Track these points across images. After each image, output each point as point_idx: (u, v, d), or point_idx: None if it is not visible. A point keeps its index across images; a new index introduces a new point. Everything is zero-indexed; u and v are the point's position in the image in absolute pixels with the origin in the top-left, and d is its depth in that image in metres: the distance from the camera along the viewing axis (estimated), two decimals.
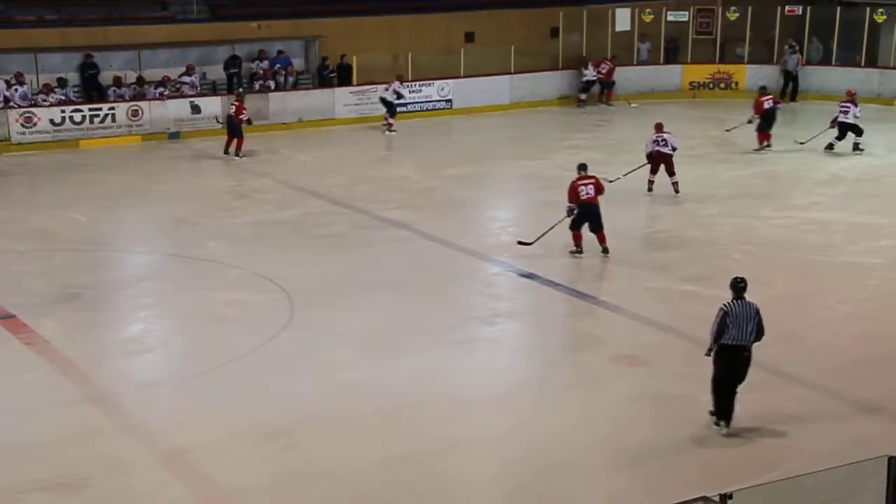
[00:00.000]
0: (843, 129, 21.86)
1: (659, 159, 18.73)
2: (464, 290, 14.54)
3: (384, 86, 25.16)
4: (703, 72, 29.47)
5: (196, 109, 24.47)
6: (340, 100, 26.17)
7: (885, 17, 28.02)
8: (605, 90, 28.25)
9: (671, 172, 18.67)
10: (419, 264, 15.37)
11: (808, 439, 10.12)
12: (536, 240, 15.51)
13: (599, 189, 15.43)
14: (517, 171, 21.76)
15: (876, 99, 27.42)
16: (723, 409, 10.11)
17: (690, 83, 29.50)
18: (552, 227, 15.48)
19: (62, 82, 24.07)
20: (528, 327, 13.57)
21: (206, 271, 15.20)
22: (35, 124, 23.08)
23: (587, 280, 14.55)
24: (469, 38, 28.68)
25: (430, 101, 26.86)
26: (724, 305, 10.09)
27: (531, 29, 28.91)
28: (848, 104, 21.94)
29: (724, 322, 10.00)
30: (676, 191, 18.69)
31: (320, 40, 27.27)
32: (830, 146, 21.97)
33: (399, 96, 25.01)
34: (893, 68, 28.00)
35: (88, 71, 24.65)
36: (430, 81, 26.92)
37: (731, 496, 6.72)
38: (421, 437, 10.12)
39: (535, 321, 13.68)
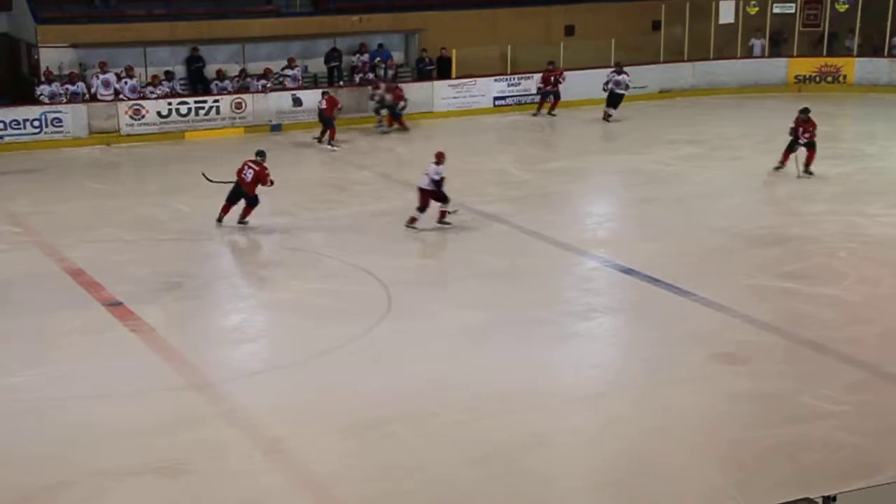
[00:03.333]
0: None
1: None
2: (560, 285, 14.50)
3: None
4: (809, 65, 28.81)
5: (298, 102, 24.82)
6: (439, 93, 26.27)
7: None
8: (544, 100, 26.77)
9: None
10: (515, 257, 15.37)
11: None
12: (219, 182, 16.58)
13: None
14: (616, 165, 21.59)
15: None
16: None
17: (796, 76, 28.85)
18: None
19: (169, 75, 24.69)
20: (625, 323, 13.46)
21: (306, 262, 15.41)
22: (143, 116, 23.70)
23: (686, 276, 14.36)
24: (569, 31, 28.54)
25: (528, 95, 26.77)
26: None
27: (632, 22, 28.62)
28: None
29: None
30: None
31: (420, 34, 27.42)
32: None
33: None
34: None
35: (195, 64, 25.25)
36: (529, 75, 26.83)
37: (834, 498, 6.54)
38: (513, 432, 10.11)
39: (631, 317, 13.56)
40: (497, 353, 11.98)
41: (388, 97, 24.21)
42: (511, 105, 26.63)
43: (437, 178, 16.47)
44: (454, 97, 26.33)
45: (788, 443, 9.88)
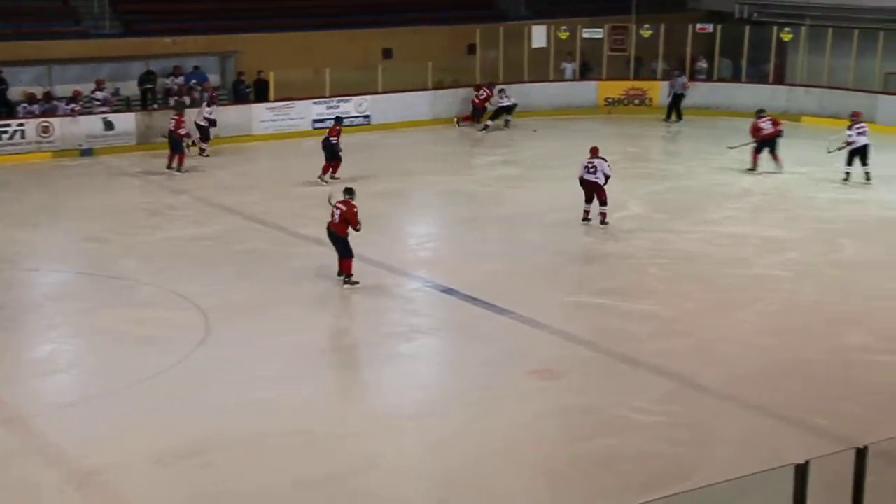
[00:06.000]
0: (858, 152, 21.13)
1: (587, 187, 17.89)
2: (382, 307, 14.53)
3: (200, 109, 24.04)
4: (618, 88, 29.91)
5: (109, 126, 24.10)
6: (257, 116, 26.01)
7: (791, 35, 28.77)
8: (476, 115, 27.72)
9: (602, 202, 17.86)
10: (337, 281, 15.33)
11: (720, 449, 10.31)
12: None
13: None
14: (437, 186, 21.84)
15: (783, 115, 28.04)
16: None
17: (606, 99, 29.90)
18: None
19: None
20: (447, 343, 13.60)
21: (119, 290, 14.97)
22: None
23: (506, 295, 14.63)
24: (387, 54, 28.76)
25: (347, 117, 26.82)
26: None
27: (448, 45, 29.07)
28: (863, 125, 21.35)
29: None
30: (602, 222, 17.91)
31: (236, 56, 27.10)
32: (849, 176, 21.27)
33: (211, 122, 23.81)
34: (800, 85, 28.75)
35: None
36: (348, 97, 26.89)
37: None
38: (338, 456, 10.07)
39: (453, 337, 13.72)
40: (320, 377, 11.91)
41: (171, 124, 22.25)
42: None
43: (610, 172, 17.69)
44: (273, 120, 26.11)
45: (605, 454, 10.18)
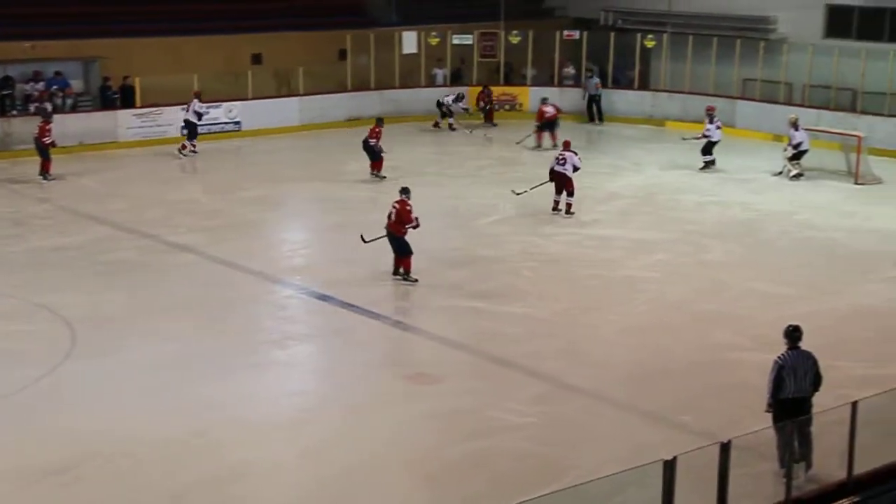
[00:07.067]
0: (712, 146, 23.01)
1: (556, 178, 19.21)
2: (255, 314, 14.38)
3: (183, 106, 24.56)
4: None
5: None
6: (123, 122, 25.41)
7: (654, 42, 29.52)
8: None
9: (569, 193, 19.09)
10: (208, 289, 15.11)
11: (591, 448, 10.52)
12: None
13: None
14: (308, 193, 21.70)
15: (648, 120, 28.88)
16: (799, 457, 9.29)
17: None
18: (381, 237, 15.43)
19: None
20: (321, 349, 13.55)
21: None
22: None
23: (381, 300, 14.66)
24: (256, 59, 28.42)
25: (217, 124, 26.45)
26: (779, 358, 9.49)
27: (319, 51, 28.87)
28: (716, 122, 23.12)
29: (780, 376, 9.41)
30: (567, 212, 19.11)
31: (100, 61, 26.42)
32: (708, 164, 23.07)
33: (199, 116, 24.46)
34: (663, 91, 29.53)
35: None
36: (218, 103, 26.51)
37: None
38: (211, 466, 9.94)
39: (328, 343, 13.67)
40: (192, 386, 11.72)
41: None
42: (201, 134, 26.06)
43: (580, 165, 19.07)
44: (140, 127, 25.54)
45: (480, 456, 10.28)
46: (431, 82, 30.40)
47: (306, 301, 14.89)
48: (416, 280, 15.25)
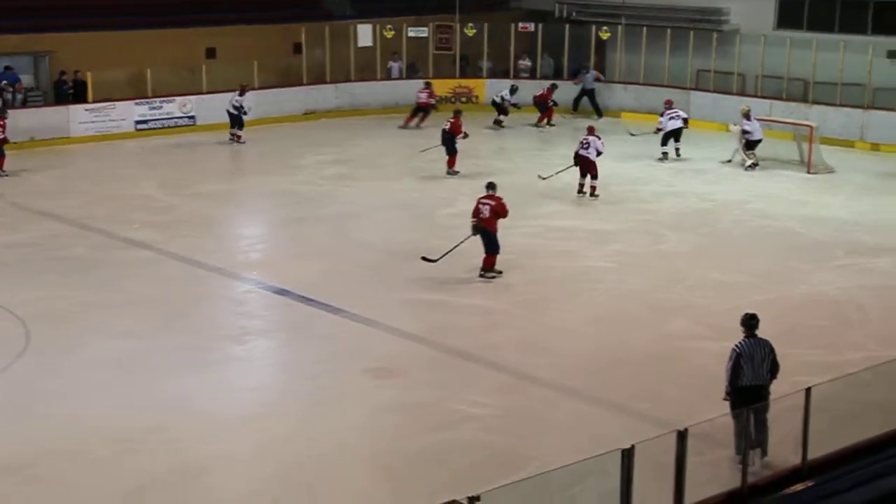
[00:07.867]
0: (671, 134, 23.60)
1: (581, 162, 19.99)
2: (212, 309, 14.30)
3: (231, 96, 25.03)
4: (445, 86, 30.15)
5: None
6: (76, 118, 25.09)
7: (608, 34, 29.66)
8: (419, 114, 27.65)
9: (593, 176, 19.90)
10: (165, 285, 14.98)
11: (551, 438, 10.57)
12: (441, 257, 15.37)
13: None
14: (265, 187, 21.57)
15: (606, 111, 28.97)
16: (754, 443, 9.36)
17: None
18: (457, 245, 15.36)
19: None
20: (280, 344, 13.49)
21: None
22: None
23: (339, 293, 14.59)
24: (210, 53, 28.18)
25: (171, 118, 26.21)
26: (737, 346, 9.60)
27: (274, 45, 28.71)
28: (677, 110, 23.82)
29: (738, 363, 9.52)
30: (592, 194, 19.92)
31: (51, 56, 26.07)
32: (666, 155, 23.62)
33: (237, 108, 24.75)
34: (618, 82, 29.67)
35: None
36: (172, 98, 26.26)
37: (479, 498, 6.91)
38: (167, 462, 9.86)
39: (286, 337, 13.62)
40: (147, 383, 11.62)
41: None
42: (155, 129, 25.90)
43: (602, 149, 19.92)
44: (92, 121, 25.23)
45: (441, 448, 10.29)
46: (387, 75, 30.33)
47: (264, 296, 14.81)
48: (501, 272, 15.30)
